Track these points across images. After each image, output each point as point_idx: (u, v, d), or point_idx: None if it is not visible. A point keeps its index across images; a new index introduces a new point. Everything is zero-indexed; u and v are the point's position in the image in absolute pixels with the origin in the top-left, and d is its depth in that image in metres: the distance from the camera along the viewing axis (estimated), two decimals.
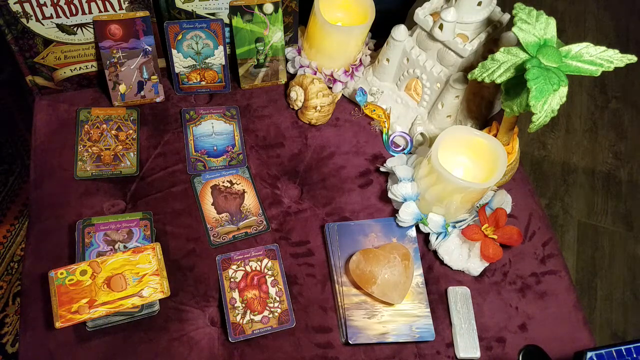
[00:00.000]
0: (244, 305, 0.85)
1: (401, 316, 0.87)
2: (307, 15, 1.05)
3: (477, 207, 0.94)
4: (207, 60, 1.04)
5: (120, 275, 0.81)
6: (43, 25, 0.93)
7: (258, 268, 0.89)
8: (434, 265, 0.93)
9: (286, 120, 1.07)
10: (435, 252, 0.94)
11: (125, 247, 0.86)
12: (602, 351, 0.82)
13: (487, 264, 0.92)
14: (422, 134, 1.02)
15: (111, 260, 0.82)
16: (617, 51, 0.78)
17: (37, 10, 0.91)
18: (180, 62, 1.03)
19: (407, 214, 0.93)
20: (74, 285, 0.79)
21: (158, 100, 1.06)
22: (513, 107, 0.83)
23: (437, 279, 0.92)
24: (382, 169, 1.01)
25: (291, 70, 1.11)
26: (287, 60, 1.11)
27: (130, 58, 1.00)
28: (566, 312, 0.92)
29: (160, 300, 0.82)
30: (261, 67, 1.08)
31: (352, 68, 1.08)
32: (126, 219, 0.88)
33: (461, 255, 0.92)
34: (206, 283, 0.88)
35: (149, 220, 0.89)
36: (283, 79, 1.11)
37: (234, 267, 0.88)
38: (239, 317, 0.84)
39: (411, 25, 0.99)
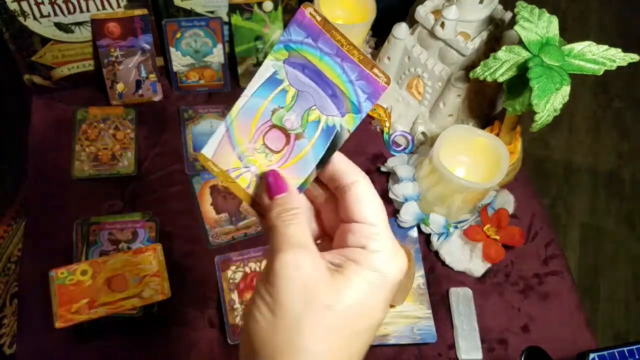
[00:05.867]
0: (243, 306, 0.84)
1: (402, 318, 0.86)
2: None
3: (479, 207, 0.93)
4: (205, 59, 1.03)
5: (121, 275, 0.80)
6: (40, 23, 0.92)
7: (257, 269, 0.88)
8: (436, 266, 0.93)
9: None
10: (436, 253, 0.93)
11: (129, 247, 0.85)
12: (605, 352, 0.81)
13: (489, 265, 0.91)
14: (423, 133, 1.01)
15: (112, 261, 0.81)
16: (619, 50, 0.78)
17: (35, 8, 0.90)
18: (179, 61, 1.03)
19: (408, 214, 0.92)
20: (74, 285, 0.78)
21: (156, 99, 1.05)
22: (515, 106, 0.83)
23: (439, 280, 0.91)
24: (382, 169, 1.00)
25: None
26: None
27: (128, 56, 0.99)
28: (568, 313, 0.91)
29: (159, 301, 0.82)
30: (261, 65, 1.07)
31: None
32: (134, 219, 0.88)
33: (463, 256, 0.91)
34: (205, 284, 0.87)
35: (156, 222, 0.89)
36: None
37: (233, 268, 0.87)
38: (238, 319, 0.83)
39: (412, 23, 0.98)
